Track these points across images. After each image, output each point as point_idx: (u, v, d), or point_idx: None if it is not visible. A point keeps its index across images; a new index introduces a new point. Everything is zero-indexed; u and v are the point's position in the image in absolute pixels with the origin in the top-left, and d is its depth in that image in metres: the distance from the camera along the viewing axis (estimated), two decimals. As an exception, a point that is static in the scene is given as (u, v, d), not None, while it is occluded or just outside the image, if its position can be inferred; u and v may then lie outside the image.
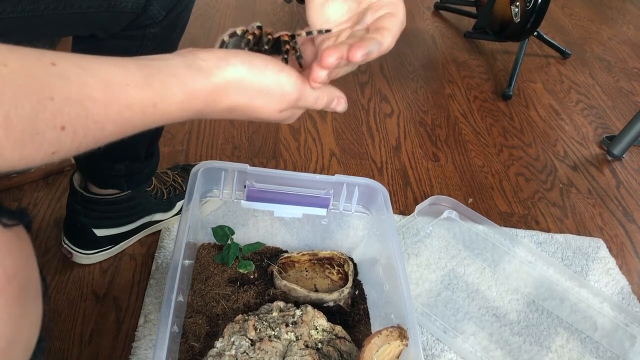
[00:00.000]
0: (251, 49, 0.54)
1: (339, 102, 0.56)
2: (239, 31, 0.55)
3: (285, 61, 0.54)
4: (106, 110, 0.39)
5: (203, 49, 0.49)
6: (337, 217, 1.07)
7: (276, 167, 1.26)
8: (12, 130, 0.33)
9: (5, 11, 0.55)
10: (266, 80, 0.49)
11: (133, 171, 0.91)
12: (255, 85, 0.48)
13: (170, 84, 0.43)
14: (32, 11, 0.57)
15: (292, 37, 0.56)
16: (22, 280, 0.35)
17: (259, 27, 0.55)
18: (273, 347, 0.72)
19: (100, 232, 0.93)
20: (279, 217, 1.01)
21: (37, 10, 0.57)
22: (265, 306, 0.81)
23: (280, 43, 0.55)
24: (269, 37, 0.55)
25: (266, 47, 0.55)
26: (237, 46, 0.55)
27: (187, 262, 0.81)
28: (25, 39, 0.41)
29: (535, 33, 1.89)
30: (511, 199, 1.30)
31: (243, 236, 0.98)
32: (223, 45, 0.55)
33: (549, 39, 1.97)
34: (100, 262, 0.96)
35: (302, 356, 0.72)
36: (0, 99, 0.33)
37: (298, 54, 0.55)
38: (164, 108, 0.43)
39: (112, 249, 0.96)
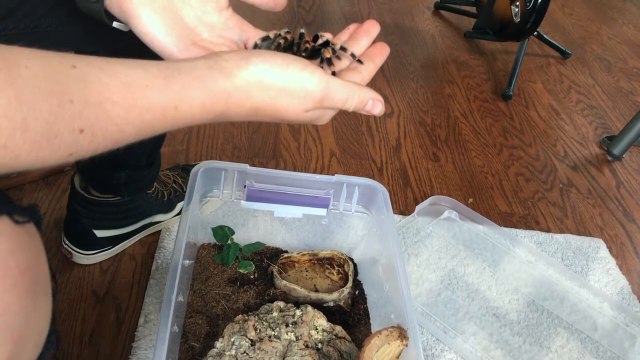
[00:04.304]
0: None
1: (374, 104, 0.53)
2: (271, 35, 0.54)
3: (322, 67, 0.53)
4: (126, 112, 0.39)
5: (228, 50, 0.48)
6: (337, 217, 1.06)
7: (276, 167, 1.26)
8: (29, 133, 0.33)
9: (8, 27, 0.55)
10: (288, 79, 0.47)
11: (134, 179, 0.91)
12: (277, 84, 0.47)
13: (190, 85, 0.43)
14: (35, 27, 0.57)
15: (327, 43, 0.55)
16: (34, 275, 0.36)
17: (288, 32, 0.55)
18: (273, 347, 0.72)
19: (100, 233, 0.93)
20: (279, 217, 1.01)
21: (40, 26, 0.57)
22: (265, 306, 0.81)
23: (318, 51, 0.54)
24: (307, 45, 0.54)
25: (303, 54, 0.55)
26: (269, 49, 0.54)
27: (187, 262, 0.81)
28: None
29: (535, 33, 1.89)
30: (511, 199, 1.30)
31: (243, 236, 0.97)
32: (255, 48, 0.54)
33: (549, 38, 1.97)
34: (100, 262, 0.96)
35: (302, 356, 0.72)
36: (19, 101, 0.33)
37: (333, 65, 0.54)
38: (185, 110, 0.43)
39: (112, 249, 0.96)
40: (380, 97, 0.53)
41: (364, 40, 0.58)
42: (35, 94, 0.33)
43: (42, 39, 0.59)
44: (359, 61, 0.56)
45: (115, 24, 0.52)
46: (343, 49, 0.56)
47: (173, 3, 0.51)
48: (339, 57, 0.56)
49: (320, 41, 0.56)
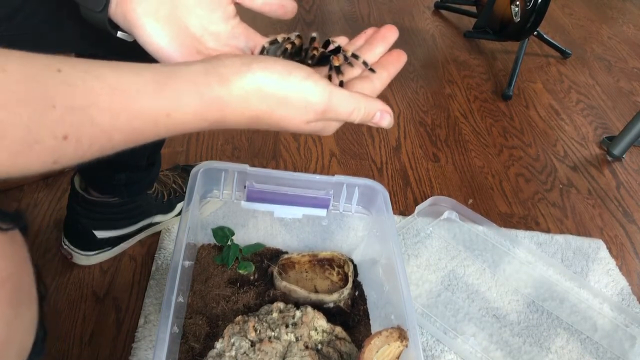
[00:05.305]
0: (291, 59, 0.50)
1: (382, 116, 0.50)
2: (279, 38, 0.52)
3: (329, 78, 0.51)
4: (114, 119, 0.37)
5: (231, 54, 0.46)
6: (337, 217, 1.06)
7: (276, 168, 1.26)
8: (6, 139, 0.32)
9: (9, 30, 0.55)
10: (288, 89, 0.45)
11: (134, 180, 0.90)
12: (277, 93, 0.44)
13: (184, 91, 0.41)
14: (35, 28, 0.56)
15: (338, 50, 0.52)
16: (15, 284, 0.35)
17: (299, 37, 0.52)
18: (273, 348, 0.72)
19: (100, 234, 0.93)
20: (279, 217, 1.01)
21: (41, 28, 0.57)
22: (265, 307, 0.81)
23: (326, 59, 0.52)
24: (315, 52, 0.51)
25: (310, 61, 0.52)
26: (275, 54, 0.51)
27: (187, 262, 0.81)
28: None
29: (535, 33, 1.89)
30: (511, 199, 1.30)
31: (243, 237, 0.97)
32: (263, 52, 0.52)
33: (549, 38, 1.97)
34: (100, 262, 0.96)
35: (302, 357, 0.72)
36: None
37: (341, 73, 0.51)
38: (178, 117, 0.41)
39: (112, 250, 0.96)
40: (388, 109, 0.51)
41: (379, 47, 0.55)
42: (12, 98, 0.32)
43: (43, 41, 0.59)
44: (371, 70, 0.53)
45: (119, 34, 0.51)
46: (355, 56, 0.52)
47: (178, 12, 0.50)
48: (351, 64, 0.53)
49: (331, 47, 0.53)
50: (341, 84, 0.50)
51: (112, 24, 0.50)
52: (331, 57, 0.51)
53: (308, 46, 0.52)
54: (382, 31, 0.56)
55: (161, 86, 0.40)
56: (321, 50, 0.52)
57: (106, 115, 0.37)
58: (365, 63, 0.53)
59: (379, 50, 0.55)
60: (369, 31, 0.56)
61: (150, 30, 0.49)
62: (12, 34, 0.55)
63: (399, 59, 0.55)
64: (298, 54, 0.52)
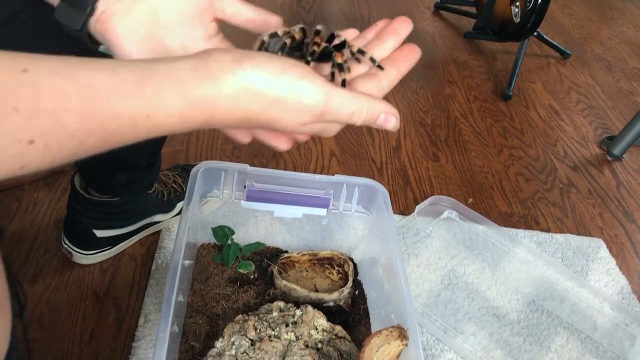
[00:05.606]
0: (290, 55, 0.47)
1: (386, 118, 0.47)
2: (280, 32, 0.48)
3: (332, 76, 0.47)
4: (84, 121, 0.34)
5: (222, 49, 0.43)
6: (337, 217, 1.06)
7: (276, 167, 1.26)
8: None
9: (9, 31, 0.55)
10: (282, 88, 0.41)
11: (134, 180, 0.90)
12: (269, 93, 0.41)
13: (168, 90, 0.37)
14: (34, 27, 0.56)
15: (343, 44, 0.48)
16: None
17: (302, 29, 0.48)
18: (273, 347, 0.72)
19: (100, 233, 0.93)
20: (279, 217, 1.01)
21: (40, 27, 0.57)
22: (265, 306, 0.81)
23: (328, 55, 0.47)
24: (315, 47, 0.47)
25: (309, 58, 0.48)
26: (274, 49, 0.48)
27: (187, 262, 0.81)
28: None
29: (535, 33, 1.89)
30: (511, 199, 1.30)
31: (243, 236, 0.97)
32: (262, 45, 0.49)
33: (549, 39, 1.97)
34: (100, 262, 0.96)
35: (302, 356, 0.72)
36: None
37: (344, 71, 0.47)
38: (160, 119, 0.37)
39: (112, 249, 0.96)
40: (394, 111, 0.47)
41: (390, 41, 0.50)
42: None
43: (44, 41, 0.59)
44: (380, 67, 0.49)
45: (101, 48, 0.50)
46: (361, 52, 0.48)
47: (158, 32, 0.48)
48: (358, 60, 0.49)
49: (336, 41, 0.49)
50: (343, 83, 0.47)
51: (93, 40, 0.49)
52: (333, 53, 0.47)
53: (309, 41, 0.48)
54: (394, 24, 0.51)
55: (141, 84, 0.37)
56: (324, 45, 0.48)
57: (76, 119, 0.34)
58: (372, 59, 0.49)
59: (389, 45, 0.51)
60: (380, 24, 0.52)
61: (129, 49, 0.47)
62: (11, 35, 0.55)
63: (412, 55, 0.50)
64: (299, 49, 0.49)
